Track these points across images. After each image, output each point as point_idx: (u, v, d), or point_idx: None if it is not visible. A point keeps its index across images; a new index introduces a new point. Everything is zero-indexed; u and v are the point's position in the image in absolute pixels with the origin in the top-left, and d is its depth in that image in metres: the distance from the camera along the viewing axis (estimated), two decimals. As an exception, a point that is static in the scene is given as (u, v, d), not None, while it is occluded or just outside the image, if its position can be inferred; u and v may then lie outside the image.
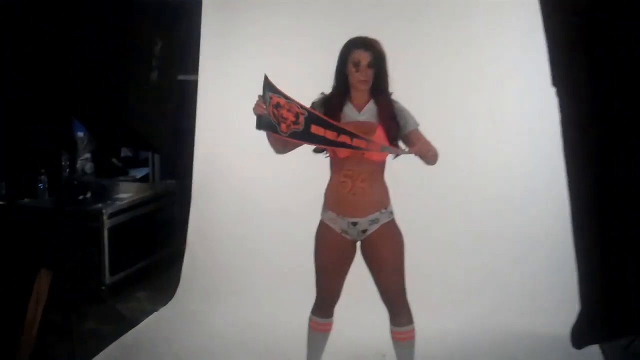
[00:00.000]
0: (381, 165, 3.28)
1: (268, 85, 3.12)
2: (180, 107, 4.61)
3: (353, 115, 3.24)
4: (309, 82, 3.40)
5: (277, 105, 3.08)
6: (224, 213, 5.03)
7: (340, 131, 3.04)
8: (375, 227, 3.27)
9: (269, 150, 3.36)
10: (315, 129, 3.06)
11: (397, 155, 3.19)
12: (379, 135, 3.17)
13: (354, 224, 3.27)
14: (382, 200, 3.30)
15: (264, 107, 3.11)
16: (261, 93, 3.13)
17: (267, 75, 3.11)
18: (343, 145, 3.06)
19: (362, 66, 3.16)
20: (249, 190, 4.97)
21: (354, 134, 3.04)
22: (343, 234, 3.31)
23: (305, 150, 3.30)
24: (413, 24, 4.58)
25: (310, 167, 3.57)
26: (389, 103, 3.25)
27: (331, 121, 3.08)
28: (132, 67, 3.79)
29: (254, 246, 4.90)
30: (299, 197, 4.52)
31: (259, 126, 3.18)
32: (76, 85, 3.52)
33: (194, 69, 5.05)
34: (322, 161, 3.34)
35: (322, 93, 3.30)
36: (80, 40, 3.77)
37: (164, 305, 4.90)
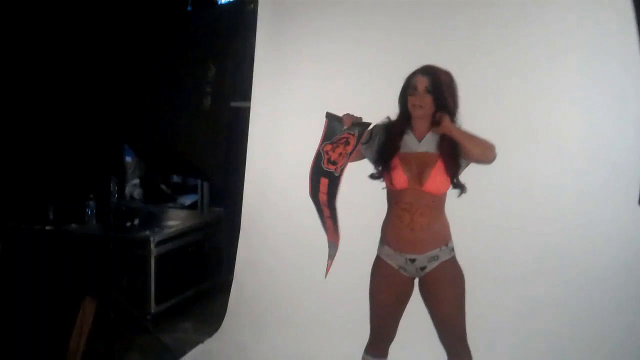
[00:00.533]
0: (441, 199, 3.11)
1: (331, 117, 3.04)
2: (232, 134, 4.59)
3: (413, 145, 3.09)
4: (365, 112, 3.25)
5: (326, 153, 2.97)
6: (273, 243, 4.89)
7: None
8: (434, 264, 3.11)
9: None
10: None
11: (461, 193, 3.08)
12: (439, 169, 3.03)
13: (412, 260, 3.11)
14: (443, 236, 3.14)
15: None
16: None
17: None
18: None
19: (419, 91, 3.02)
20: (300, 220, 4.76)
21: None
22: (400, 271, 3.15)
23: (359, 179, 3.15)
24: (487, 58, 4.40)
25: (365, 197, 3.39)
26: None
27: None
28: (184, 93, 3.73)
29: (303, 277, 4.69)
30: (352, 228, 4.30)
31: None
32: (126, 110, 3.46)
33: (247, 96, 4.95)
34: (377, 191, 3.19)
35: (388, 117, 3.17)
36: (132, 65, 3.72)
37: (210, 336, 4.77)
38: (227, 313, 4.91)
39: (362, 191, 3.34)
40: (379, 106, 3.17)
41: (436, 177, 3.02)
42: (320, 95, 4.53)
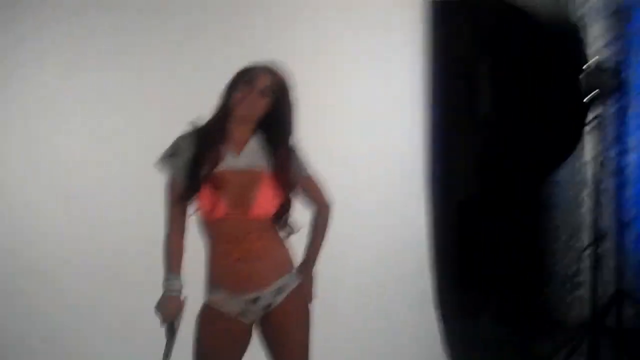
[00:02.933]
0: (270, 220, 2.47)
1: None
2: None
3: (231, 160, 2.42)
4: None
5: None
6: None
7: None
8: (281, 297, 2.46)
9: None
10: None
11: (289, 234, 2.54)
12: (267, 187, 2.41)
13: (255, 300, 2.43)
14: (285, 260, 2.51)
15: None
16: None
17: None
18: None
19: (255, 87, 2.37)
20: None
21: None
22: (240, 318, 2.45)
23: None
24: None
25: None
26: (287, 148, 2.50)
27: None
28: None
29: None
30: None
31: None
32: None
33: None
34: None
35: (193, 123, 2.48)
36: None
37: None
38: None
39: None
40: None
41: (263, 198, 2.40)
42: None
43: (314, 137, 2.62)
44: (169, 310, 2.42)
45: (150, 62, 3.62)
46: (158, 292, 2.44)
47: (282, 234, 2.50)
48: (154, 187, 3.53)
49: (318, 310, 2.55)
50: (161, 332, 2.46)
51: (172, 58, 2.27)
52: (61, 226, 3.85)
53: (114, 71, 3.82)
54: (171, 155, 2.43)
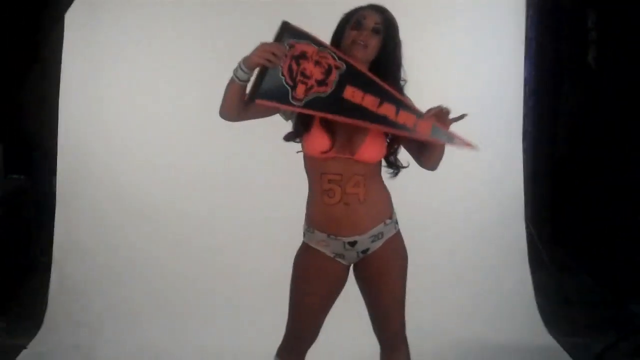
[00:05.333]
0: (378, 165, 2.47)
1: (289, 31, 2.23)
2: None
3: None
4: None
5: (302, 57, 2.21)
6: (98, 216, 4.13)
7: (385, 97, 2.23)
8: (378, 244, 2.48)
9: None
10: (350, 93, 2.23)
11: (396, 174, 2.50)
12: (375, 133, 2.37)
13: (352, 244, 2.45)
14: (385, 207, 2.51)
15: (277, 55, 2.20)
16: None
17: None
18: (381, 121, 2.26)
19: (365, 27, 2.34)
20: (131, 186, 4.14)
21: (403, 103, 2.26)
22: (337, 259, 2.49)
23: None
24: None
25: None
26: (398, 87, 2.42)
27: (380, 82, 2.25)
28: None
29: (139, 257, 4.08)
30: (194, 195, 4.03)
31: (257, 96, 2.23)
32: None
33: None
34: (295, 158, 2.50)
35: None
36: None
37: (31, 337, 3.86)
38: (47, 306, 4.03)
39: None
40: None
41: (371, 143, 2.38)
42: (146, 45, 4.09)
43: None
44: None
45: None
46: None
47: (389, 172, 2.49)
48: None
49: (412, 262, 2.56)
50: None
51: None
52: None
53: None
54: None
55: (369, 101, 2.24)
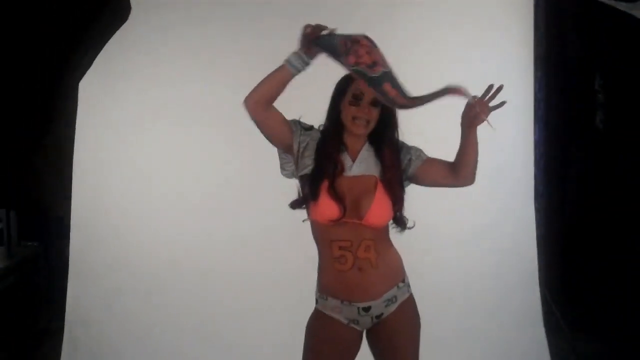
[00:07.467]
0: (386, 229, 2.49)
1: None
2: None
3: (346, 167, 2.46)
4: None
5: (355, 41, 2.26)
6: (110, 283, 4.17)
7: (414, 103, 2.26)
8: (392, 307, 2.48)
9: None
10: (388, 88, 2.26)
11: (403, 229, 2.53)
12: (381, 196, 2.41)
13: (366, 309, 2.46)
14: (398, 270, 2.53)
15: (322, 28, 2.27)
16: None
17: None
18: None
19: (364, 101, 2.38)
20: (141, 258, 4.19)
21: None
22: (352, 325, 2.49)
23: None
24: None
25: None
26: (395, 148, 2.49)
27: (411, 98, 2.28)
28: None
29: (155, 320, 4.11)
30: (201, 263, 4.10)
31: (317, 42, 2.28)
32: None
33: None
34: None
35: (320, 126, 2.53)
36: None
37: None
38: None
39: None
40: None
41: (378, 207, 2.40)
42: (159, 114, 4.16)
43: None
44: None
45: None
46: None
47: (396, 229, 2.49)
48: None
49: (425, 324, 2.55)
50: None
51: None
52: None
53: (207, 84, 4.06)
54: (307, 128, 2.47)
55: (399, 100, 2.27)
